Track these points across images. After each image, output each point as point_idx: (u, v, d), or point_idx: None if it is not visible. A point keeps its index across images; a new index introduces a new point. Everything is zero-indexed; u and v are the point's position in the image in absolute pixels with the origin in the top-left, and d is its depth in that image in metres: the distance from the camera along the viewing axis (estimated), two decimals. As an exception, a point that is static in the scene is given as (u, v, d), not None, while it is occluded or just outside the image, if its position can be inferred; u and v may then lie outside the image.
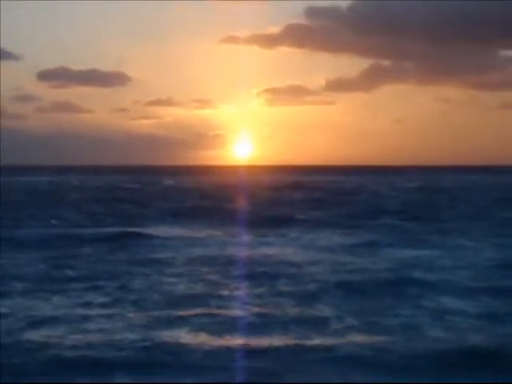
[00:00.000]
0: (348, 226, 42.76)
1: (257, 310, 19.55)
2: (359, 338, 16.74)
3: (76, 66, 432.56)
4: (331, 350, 15.80)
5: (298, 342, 16.40)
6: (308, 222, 45.41)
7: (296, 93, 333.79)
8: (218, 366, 14.61)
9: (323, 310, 19.73)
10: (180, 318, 18.53)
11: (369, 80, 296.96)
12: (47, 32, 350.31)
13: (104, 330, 17.19)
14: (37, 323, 17.82)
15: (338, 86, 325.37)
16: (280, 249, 32.38)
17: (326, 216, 49.70)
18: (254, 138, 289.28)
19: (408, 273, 25.58)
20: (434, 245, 33.88)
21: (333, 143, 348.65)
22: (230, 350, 15.55)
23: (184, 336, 16.75)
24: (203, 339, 16.49)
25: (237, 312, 19.20)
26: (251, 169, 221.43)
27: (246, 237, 37.00)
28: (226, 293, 21.90)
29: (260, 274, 25.02)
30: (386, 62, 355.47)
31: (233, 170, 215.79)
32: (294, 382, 13.81)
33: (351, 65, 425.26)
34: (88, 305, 20.09)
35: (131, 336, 16.67)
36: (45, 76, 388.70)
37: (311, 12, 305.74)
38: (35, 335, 16.70)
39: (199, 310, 19.37)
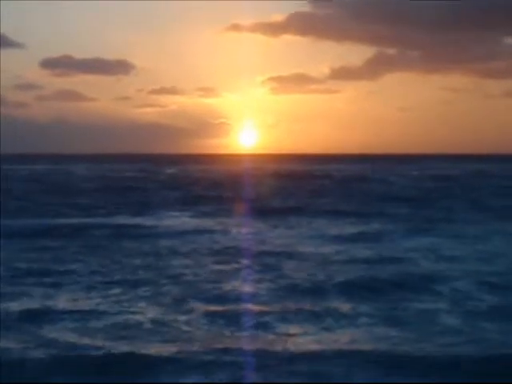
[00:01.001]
0: (358, 214, 42.11)
1: (266, 303, 18.98)
2: (371, 332, 16.24)
3: (79, 54, 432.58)
4: (344, 346, 15.27)
5: (309, 337, 15.89)
6: (317, 210, 44.71)
7: (300, 81, 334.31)
8: (225, 364, 14.04)
9: (334, 303, 19.17)
10: (187, 311, 17.98)
11: (373, 68, 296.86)
12: (50, 20, 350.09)
13: (108, 325, 16.68)
14: (42, 318, 17.26)
15: (342, 74, 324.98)
16: (289, 239, 31.66)
17: (335, 204, 49.07)
18: (258, 127, 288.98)
19: (419, 263, 25.13)
20: (444, 233, 33.30)
21: (337, 132, 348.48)
22: (237, 348, 14.98)
23: (189, 332, 16.23)
24: (209, 336, 15.96)
25: (245, 306, 18.59)
26: (255, 157, 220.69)
27: (254, 227, 36.33)
28: (235, 285, 21.32)
29: (270, 265, 24.44)
30: (390, 51, 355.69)
31: (237, 158, 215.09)
32: (295, 381, 13.37)
33: (356, 53, 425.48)
34: (94, 298, 19.55)
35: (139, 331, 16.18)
36: (48, 64, 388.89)
37: (315, 0, 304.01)
38: (43, 332, 16.17)
39: (207, 305, 18.80)
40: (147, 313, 17.76)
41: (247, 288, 20.88)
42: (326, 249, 28.45)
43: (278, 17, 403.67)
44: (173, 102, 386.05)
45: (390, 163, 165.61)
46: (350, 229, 35.29)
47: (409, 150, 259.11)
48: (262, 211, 42.65)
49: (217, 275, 22.76)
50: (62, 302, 18.99)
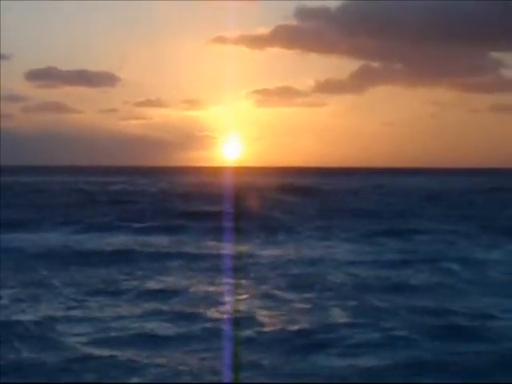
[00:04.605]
0: (359, 232, 39.54)
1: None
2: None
3: (64, 66, 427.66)
4: None
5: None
6: (312, 228, 41.97)
7: (285, 94, 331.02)
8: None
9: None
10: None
11: (359, 82, 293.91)
12: (36, 32, 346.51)
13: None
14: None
15: (327, 87, 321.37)
16: (293, 264, 28.26)
17: (328, 220, 46.44)
18: (243, 139, 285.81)
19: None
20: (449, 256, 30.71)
21: (322, 145, 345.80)
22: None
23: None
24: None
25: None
26: (240, 170, 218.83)
27: (249, 246, 33.60)
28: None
29: (274, 294, 21.86)
30: (375, 64, 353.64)
31: (222, 171, 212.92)
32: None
33: (341, 66, 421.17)
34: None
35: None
36: (33, 76, 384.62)
37: (301, 13, 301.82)
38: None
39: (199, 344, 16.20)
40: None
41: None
42: (327, 269, 25.91)
43: (264, 29, 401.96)
44: (158, 115, 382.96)
45: (375, 177, 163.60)
46: (355, 248, 32.77)
47: (394, 164, 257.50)
48: (253, 229, 40.02)
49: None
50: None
